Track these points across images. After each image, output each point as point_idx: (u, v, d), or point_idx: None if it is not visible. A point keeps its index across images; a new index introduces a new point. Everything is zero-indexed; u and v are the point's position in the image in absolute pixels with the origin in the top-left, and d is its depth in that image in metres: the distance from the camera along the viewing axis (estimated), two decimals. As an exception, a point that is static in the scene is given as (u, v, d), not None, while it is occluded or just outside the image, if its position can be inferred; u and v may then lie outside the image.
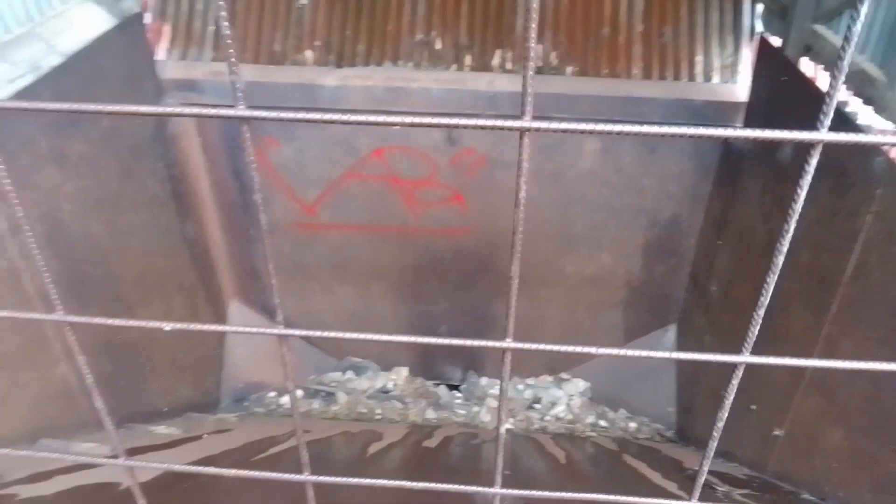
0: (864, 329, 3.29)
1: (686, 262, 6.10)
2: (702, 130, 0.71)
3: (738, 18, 5.47)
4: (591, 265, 6.22)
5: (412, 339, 0.90)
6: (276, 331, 0.93)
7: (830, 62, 4.11)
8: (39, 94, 3.98)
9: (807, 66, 4.65)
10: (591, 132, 0.72)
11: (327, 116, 0.72)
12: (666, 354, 0.95)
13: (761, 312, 0.87)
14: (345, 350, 7.04)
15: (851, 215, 3.41)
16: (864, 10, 0.66)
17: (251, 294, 6.61)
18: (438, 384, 7.06)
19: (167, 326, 0.96)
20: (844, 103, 4.26)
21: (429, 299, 6.56)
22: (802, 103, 4.19)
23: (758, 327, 0.87)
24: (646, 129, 0.73)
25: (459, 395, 6.90)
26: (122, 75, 4.95)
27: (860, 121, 4.08)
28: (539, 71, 5.59)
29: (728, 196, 5.33)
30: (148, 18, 5.51)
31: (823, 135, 0.73)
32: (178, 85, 5.48)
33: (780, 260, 0.83)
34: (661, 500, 1.02)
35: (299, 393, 6.62)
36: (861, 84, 3.72)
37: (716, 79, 5.45)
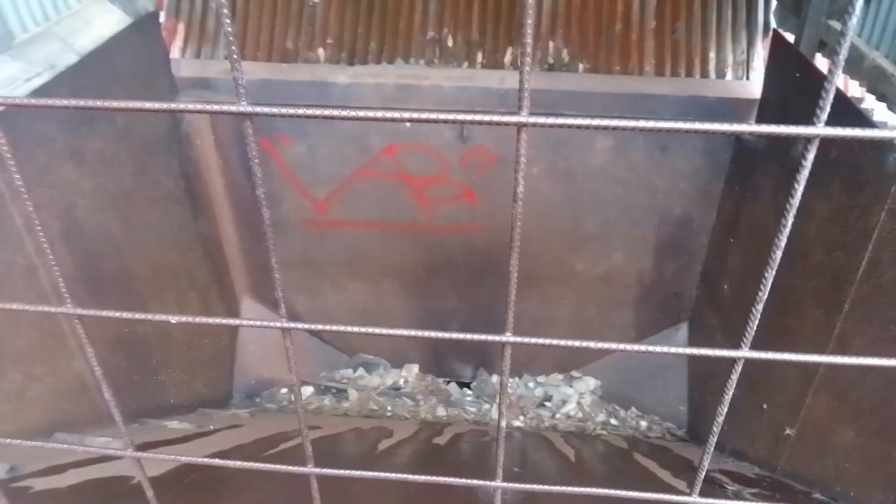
0: (877, 328, 3.26)
1: (698, 260, 6.07)
2: (697, 125, 0.72)
3: (752, 14, 5.43)
4: (602, 263, 6.20)
5: (413, 332, 0.91)
6: (279, 324, 0.95)
7: (846, 59, 4.07)
8: (55, 93, 4.04)
9: (821, 62, 4.61)
10: (587, 127, 0.73)
11: (327, 112, 0.74)
12: (664, 349, 0.95)
13: (760, 307, 0.87)
14: (356, 347, 7.08)
15: (865, 213, 3.37)
16: (859, 4, 0.66)
17: (263, 290, 6.66)
18: (449, 382, 7.08)
19: (173, 319, 0.97)
20: (860, 100, 4.21)
21: (439, 296, 6.57)
22: (816, 100, 4.15)
23: (756, 322, 0.87)
24: (641, 124, 0.73)
25: (470, 392, 6.91)
26: (137, 74, 5.01)
27: (876, 117, 4.04)
28: (551, 68, 5.58)
29: (741, 194, 5.29)
30: (162, 17, 5.56)
31: (820, 129, 0.74)
32: (192, 83, 5.53)
33: (779, 255, 0.83)
34: (659, 495, 1.02)
35: (310, 389, 6.66)
36: (876, 80, 3.68)
37: (729, 75, 5.41)
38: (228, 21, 0.72)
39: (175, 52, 5.61)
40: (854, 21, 0.67)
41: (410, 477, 1.11)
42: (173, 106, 0.76)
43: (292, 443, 4.40)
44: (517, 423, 6.24)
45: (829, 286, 3.69)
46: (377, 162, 5.84)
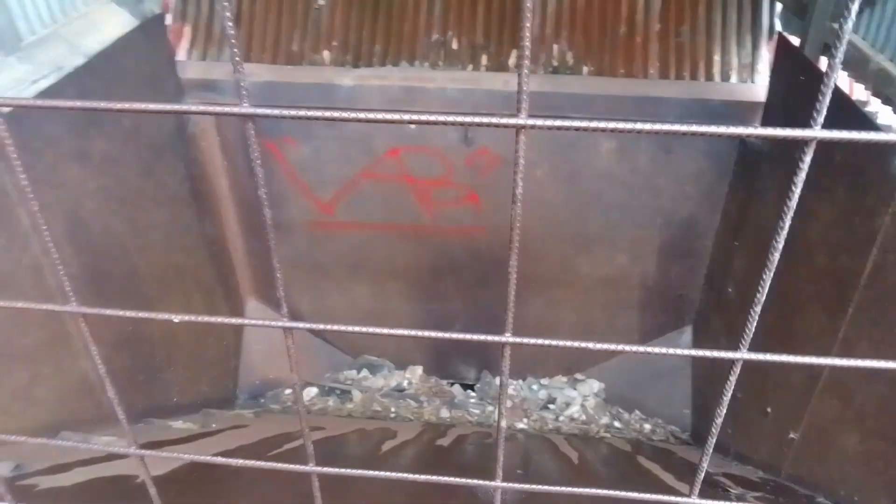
0: (881, 331, 3.25)
1: (702, 263, 6.06)
2: (694, 128, 0.72)
3: (757, 17, 5.42)
4: (606, 266, 6.19)
5: (413, 333, 0.91)
6: (280, 323, 0.96)
7: (850, 61, 4.06)
8: (62, 94, 4.07)
9: (825, 65, 4.60)
10: (585, 129, 0.73)
11: (328, 114, 0.74)
12: (662, 350, 0.96)
13: (758, 309, 0.87)
14: (360, 348, 7.09)
15: (869, 216, 3.37)
16: (854, 7, 0.67)
17: (268, 292, 6.68)
18: (453, 383, 7.08)
19: (176, 318, 0.98)
20: (864, 103, 4.21)
21: (443, 298, 6.58)
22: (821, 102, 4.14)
23: (755, 324, 0.88)
24: (639, 126, 0.74)
25: (474, 394, 6.91)
26: (143, 76, 5.04)
27: (880, 121, 4.03)
28: (555, 71, 5.59)
29: (745, 197, 5.29)
30: (169, 20, 5.60)
31: (817, 132, 0.74)
32: (198, 85, 5.56)
33: (776, 257, 0.84)
34: (658, 496, 1.02)
35: (314, 391, 6.67)
36: (881, 83, 3.68)
37: (734, 78, 5.40)
38: (231, 24, 0.73)
39: (181, 55, 5.64)
40: (850, 25, 0.67)
41: (410, 476, 1.11)
42: (176, 107, 0.77)
43: (296, 443, 4.41)
44: (520, 426, 6.24)
45: (834, 289, 3.68)
46: (382, 164, 5.86)
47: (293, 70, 5.64)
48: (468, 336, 0.93)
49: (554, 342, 0.93)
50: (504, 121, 0.74)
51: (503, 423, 1.06)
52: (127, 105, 0.75)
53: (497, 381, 7.04)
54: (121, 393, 1.04)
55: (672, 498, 1.05)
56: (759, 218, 5.01)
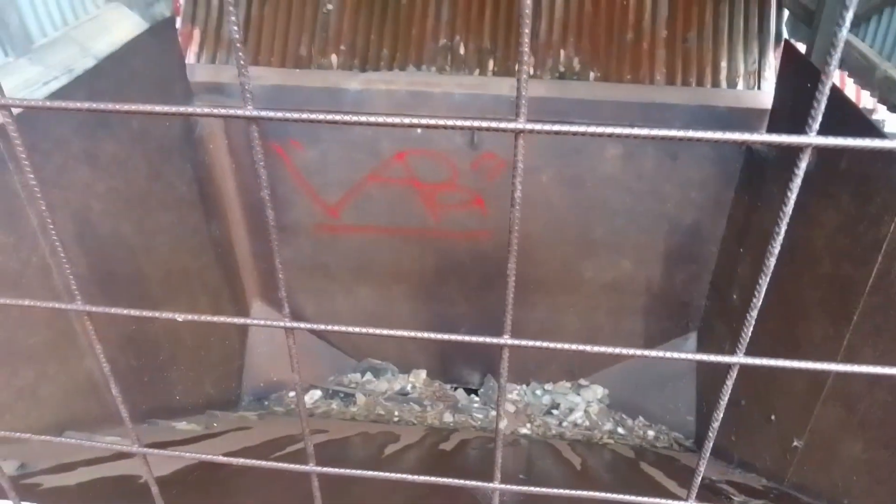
0: (886, 339, 3.24)
1: (707, 269, 6.04)
2: (690, 133, 0.73)
3: (764, 24, 5.42)
4: (610, 271, 6.19)
5: (411, 333, 0.92)
6: (281, 324, 0.97)
7: (857, 69, 4.06)
8: (72, 96, 4.11)
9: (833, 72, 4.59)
10: (584, 134, 0.74)
11: (329, 117, 0.76)
12: (660, 354, 0.96)
13: (754, 314, 0.88)
14: (364, 352, 7.10)
15: (874, 223, 3.36)
16: (849, 16, 0.68)
17: (274, 294, 6.71)
18: (457, 388, 7.08)
19: (179, 317, 1.00)
20: (871, 111, 4.20)
21: (448, 302, 6.59)
22: (828, 111, 4.14)
23: (751, 328, 0.88)
24: (636, 131, 0.75)
25: (477, 399, 6.91)
26: (153, 78, 5.08)
27: (887, 128, 4.03)
28: (561, 76, 5.60)
29: (751, 203, 5.28)
30: (179, 23, 5.64)
31: (812, 139, 0.75)
32: (207, 88, 5.61)
33: (772, 262, 0.85)
34: (654, 500, 1.03)
35: (318, 393, 6.69)
36: (887, 91, 3.67)
37: (740, 85, 5.40)
38: (236, 28, 0.75)
39: (191, 58, 5.69)
40: (844, 32, 0.68)
41: (409, 477, 1.12)
42: (181, 109, 0.79)
43: (299, 445, 4.42)
44: (524, 431, 6.23)
45: (838, 297, 3.67)
46: (388, 167, 5.88)
47: (301, 74, 5.67)
48: (467, 338, 0.94)
49: (552, 344, 0.94)
50: (503, 125, 0.75)
51: (501, 425, 1.07)
52: (133, 107, 0.77)
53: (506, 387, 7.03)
54: (125, 393, 1.05)
55: (670, 502, 1.06)
56: (764, 225, 5.00)
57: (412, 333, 0.93)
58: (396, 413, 6.37)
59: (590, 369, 6.84)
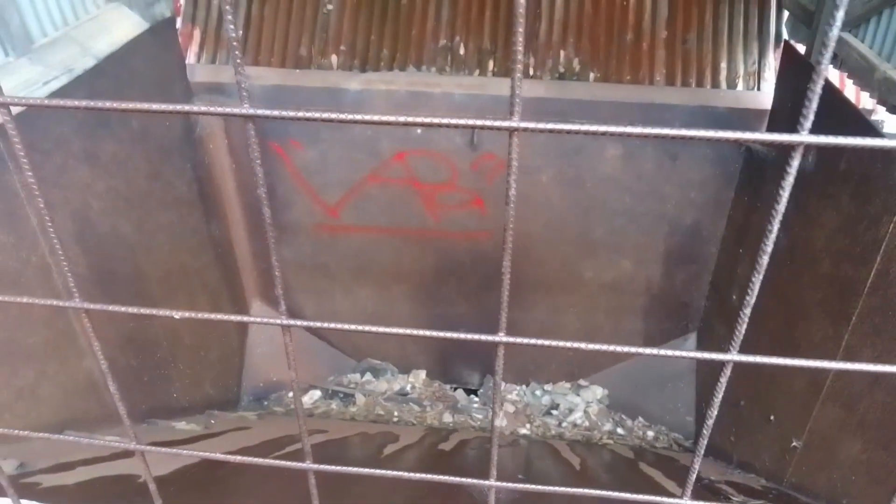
0: (885, 340, 3.24)
1: (707, 269, 6.05)
2: (683, 132, 0.73)
3: (764, 25, 5.43)
4: (610, 271, 6.20)
5: (408, 331, 0.93)
6: (278, 321, 0.98)
7: (856, 70, 4.06)
8: (73, 96, 4.11)
9: (832, 73, 4.60)
10: (577, 132, 0.75)
11: (325, 115, 0.76)
12: (654, 351, 0.97)
13: (748, 311, 0.88)
14: (364, 352, 7.10)
15: (874, 224, 3.36)
16: (840, 15, 0.68)
17: (273, 294, 6.71)
18: (456, 388, 7.08)
19: (177, 314, 1.00)
20: (871, 111, 4.20)
21: (448, 302, 6.59)
22: (827, 111, 4.15)
23: (745, 326, 0.89)
24: (629, 130, 0.75)
25: (477, 399, 6.91)
26: (153, 78, 5.09)
27: (886, 129, 4.03)
28: (561, 77, 5.61)
29: (750, 204, 5.28)
30: (179, 23, 5.65)
31: (804, 137, 0.75)
32: (207, 88, 5.61)
33: (765, 260, 0.85)
34: (648, 497, 1.03)
35: (318, 393, 6.69)
36: (886, 92, 3.67)
37: (740, 86, 5.41)
38: (232, 27, 0.75)
39: (191, 58, 5.70)
40: (836, 31, 0.69)
41: (405, 475, 1.13)
42: (178, 107, 0.79)
43: (298, 445, 4.42)
44: (523, 431, 6.23)
45: (838, 297, 3.67)
46: (388, 168, 5.88)
47: (301, 74, 5.68)
48: (462, 335, 0.95)
49: (547, 342, 0.95)
50: (497, 123, 0.76)
51: (498, 423, 1.08)
52: (130, 105, 0.77)
53: (501, 386, 7.03)
54: (124, 393, 1.06)
55: (664, 499, 1.06)
56: (763, 225, 5.00)
57: (408, 331, 0.94)
58: (396, 413, 6.38)
59: (589, 370, 6.84)
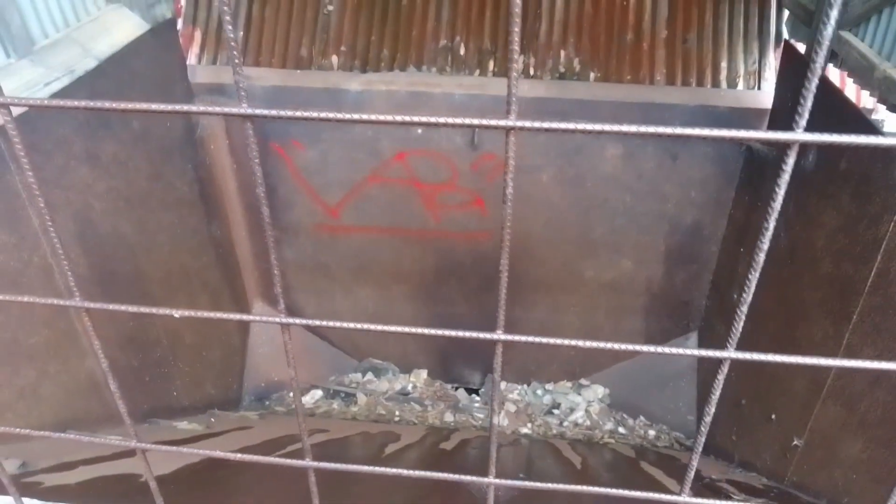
0: (885, 339, 3.24)
1: (708, 269, 6.05)
2: (679, 130, 0.74)
3: (764, 25, 5.43)
4: (611, 271, 6.20)
5: (404, 329, 0.93)
6: (277, 319, 0.98)
7: (857, 69, 4.06)
8: (74, 97, 4.12)
9: (833, 73, 4.60)
10: (573, 131, 0.75)
11: (323, 115, 0.77)
12: (651, 349, 0.97)
13: (745, 309, 0.88)
14: (365, 352, 7.11)
15: (874, 223, 3.36)
16: (834, 14, 0.68)
17: (274, 294, 6.72)
18: (458, 387, 7.09)
19: (176, 313, 1.01)
20: (871, 110, 4.20)
21: (448, 302, 6.60)
22: (827, 110, 4.15)
23: (741, 324, 0.89)
24: (626, 128, 0.75)
25: (478, 398, 6.91)
26: (154, 79, 5.10)
27: (887, 128, 4.03)
28: (562, 76, 5.61)
29: (751, 203, 5.28)
30: (180, 24, 5.66)
31: (799, 135, 0.75)
32: (208, 89, 5.63)
33: (762, 258, 0.85)
34: (648, 494, 1.04)
35: (319, 393, 6.70)
36: (887, 91, 3.67)
37: (740, 85, 5.41)
38: (230, 27, 0.76)
39: (192, 59, 5.71)
40: (829, 31, 0.69)
41: (404, 472, 1.13)
42: (177, 107, 0.80)
43: (299, 445, 4.43)
44: (525, 430, 6.24)
45: (838, 297, 3.67)
46: (388, 168, 5.89)
47: (302, 74, 5.69)
48: (460, 333, 0.95)
49: (545, 340, 0.95)
50: (493, 122, 0.76)
51: (496, 421, 1.08)
52: (129, 105, 0.78)
53: (502, 385, 7.04)
54: (126, 393, 1.06)
55: (662, 496, 1.06)
56: (764, 224, 5.00)
57: (405, 329, 0.94)
58: (397, 413, 6.38)
59: (591, 369, 6.84)
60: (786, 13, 5.34)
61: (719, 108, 5.31)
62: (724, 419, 5.48)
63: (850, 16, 4.18)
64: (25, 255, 3.69)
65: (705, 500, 1.06)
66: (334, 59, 5.73)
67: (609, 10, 5.59)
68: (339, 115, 0.77)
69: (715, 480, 4.26)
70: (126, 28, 4.85)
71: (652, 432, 6.26)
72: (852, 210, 3.62)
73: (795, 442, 3.96)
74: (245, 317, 0.98)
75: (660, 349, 0.95)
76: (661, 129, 0.76)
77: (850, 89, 5.02)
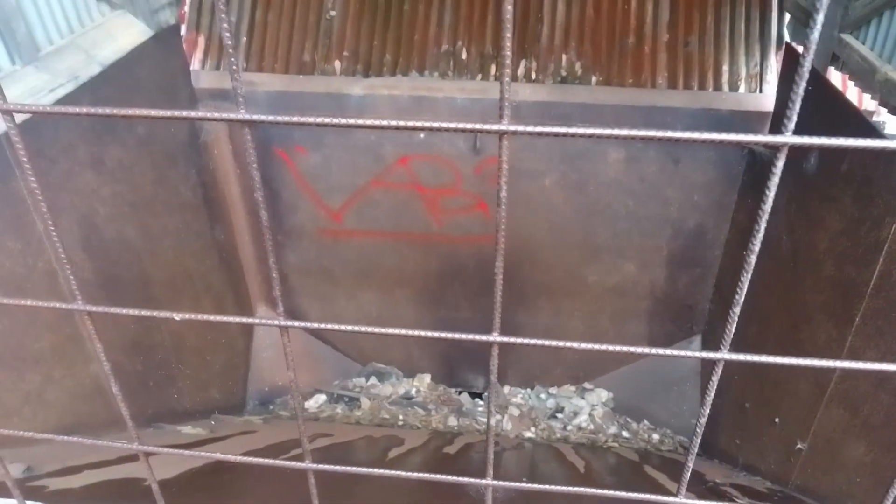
0: (888, 341, 3.23)
1: (711, 272, 6.04)
2: (670, 134, 0.75)
3: (765, 27, 5.43)
4: (614, 275, 6.20)
5: (401, 332, 0.94)
6: (276, 322, 0.99)
7: (858, 72, 4.06)
8: (78, 103, 4.16)
9: (834, 75, 4.60)
10: (564, 135, 0.76)
11: (319, 120, 0.78)
12: (648, 350, 0.98)
13: (737, 311, 0.89)
14: (369, 356, 7.12)
15: (876, 225, 3.36)
16: (820, 18, 0.69)
17: (280, 299, 6.73)
18: (461, 392, 7.09)
19: (177, 316, 1.02)
20: (872, 113, 4.20)
21: (451, 306, 6.60)
22: (829, 113, 4.15)
23: (735, 325, 0.90)
24: (624, 132, 0.76)
25: (482, 403, 6.91)
26: (158, 85, 5.13)
27: (888, 130, 4.03)
28: (563, 80, 5.62)
29: (753, 206, 5.28)
30: (184, 30, 5.70)
31: (788, 138, 0.76)
32: (211, 94, 5.66)
33: (753, 259, 0.86)
34: (644, 496, 1.04)
35: (323, 397, 6.71)
36: (888, 93, 3.67)
37: (742, 88, 5.41)
38: (228, 35, 0.77)
39: (195, 64, 5.74)
40: (816, 34, 0.70)
41: (402, 474, 1.14)
42: (177, 113, 0.81)
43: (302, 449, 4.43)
44: (528, 434, 6.23)
45: (841, 299, 3.67)
46: (391, 172, 5.91)
47: (304, 80, 5.71)
48: (455, 335, 0.96)
49: (541, 342, 0.96)
50: (486, 127, 0.78)
51: (493, 422, 1.09)
52: (130, 111, 0.79)
53: (506, 389, 7.04)
54: (131, 398, 1.08)
55: (658, 497, 1.07)
56: (767, 227, 4.99)
57: (403, 332, 0.95)
58: (401, 417, 6.39)
59: (594, 373, 6.83)
60: (787, 16, 5.35)
61: (721, 111, 5.31)
62: (727, 423, 5.47)
63: (851, 18, 4.18)
64: (30, 261, 3.71)
65: (701, 502, 1.06)
66: (337, 63, 5.76)
67: (610, 13, 5.61)
68: (336, 121, 0.79)
69: (718, 484, 4.25)
70: (130, 34, 4.89)
71: (656, 436, 6.24)
72: (854, 212, 3.62)
73: (799, 445, 3.95)
74: (244, 319, 1.00)
75: (654, 351, 0.96)
76: (651, 133, 0.77)
77: (852, 92, 5.03)
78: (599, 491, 1.08)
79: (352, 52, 5.77)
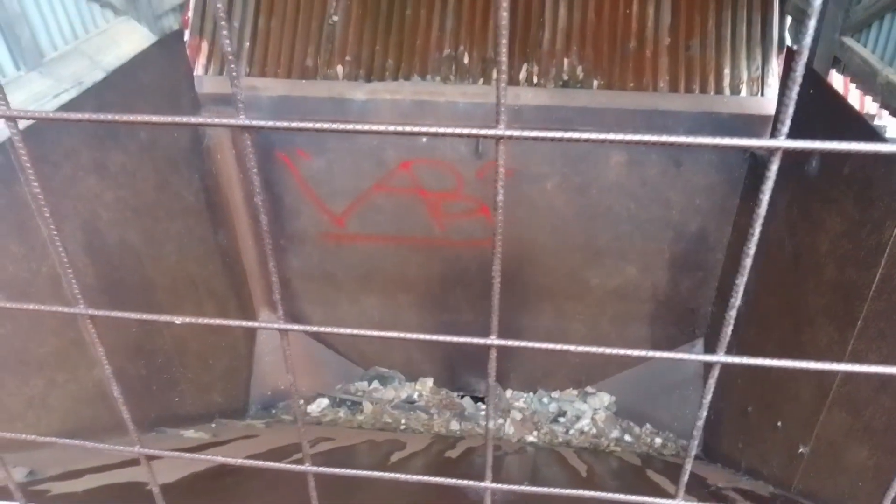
0: (890, 344, 3.23)
1: (713, 276, 6.04)
2: (664, 138, 0.76)
3: (767, 31, 5.44)
4: (616, 278, 6.19)
5: (400, 335, 0.95)
6: (276, 325, 1.00)
7: (859, 74, 4.06)
8: (82, 108, 4.18)
9: (835, 78, 4.60)
10: (560, 140, 0.77)
11: (318, 125, 0.79)
12: (644, 353, 0.99)
13: (733, 313, 0.90)
14: (371, 360, 7.12)
15: (877, 228, 3.36)
16: (812, 24, 0.70)
17: (280, 303, 6.74)
18: (463, 396, 7.08)
19: (178, 320, 1.03)
20: (873, 116, 4.20)
21: (454, 310, 6.60)
22: (830, 116, 4.15)
23: (731, 328, 0.90)
24: (621, 136, 0.77)
25: (484, 407, 6.91)
26: (161, 90, 5.16)
27: (889, 133, 4.03)
28: (565, 84, 5.64)
29: (755, 210, 5.27)
30: (187, 35, 5.73)
31: (782, 142, 0.77)
32: (214, 99, 5.68)
33: (748, 262, 0.87)
34: (642, 498, 1.05)
35: (326, 401, 6.71)
36: (889, 96, 3.68)
37: (743, 91, 5.42)
38: (227, 42, 0.78)
39: (199, 70, 5.77)
40: (808, 40, 0.71)
41: (402, 477, 1.14)
42: (176, 119, 0.82)
43: (305, 453, 4.43)
44: (530, 438, 6.22)
45: (843, 302, 3.66)
46: (393, 177, 5.92)
47: (307, 84, 5.74)
48: (453, 338, 0.97)
49: (539, 345, 0.97)
50: (483, 132, 0.78)
51: (491, 425, 1.10)
52: (131, 117, 0.80)
53: (508, 393, 7.03)
54: (133, 402, 1.09)
55: (656, 500, 1.07)
56: (769, 231, 4.99)
57: (402, 335, 0.96)
58: (403, 421, 6.39)
59: (597, 377, 6.82)
60: (788, 19, 5.36)
61: (722, 114, 5.32)
62: (730, 427, 5.45)
63: (853, 21, 4.19)
64: (34, 265, 3.73)
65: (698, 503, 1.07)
66: (339, 68, 5.78)
67: (612, 17, 5.62)
68: (336, 126, 0.80)
69: (721, 489, 4.24)
70: (134, 40, 4.91)
71: (658, 440, 6.23)
72: (856, 215, 3.62)
73: (801, 449, 3.95)
74: (243, 323, 1.00)
75: (650, 353, 0.97)
76: (645, 138, 0.77)
77: (854, 95, 5.03)
78: (598, 494, 1.08)
79: (354, 56, 5.80)
